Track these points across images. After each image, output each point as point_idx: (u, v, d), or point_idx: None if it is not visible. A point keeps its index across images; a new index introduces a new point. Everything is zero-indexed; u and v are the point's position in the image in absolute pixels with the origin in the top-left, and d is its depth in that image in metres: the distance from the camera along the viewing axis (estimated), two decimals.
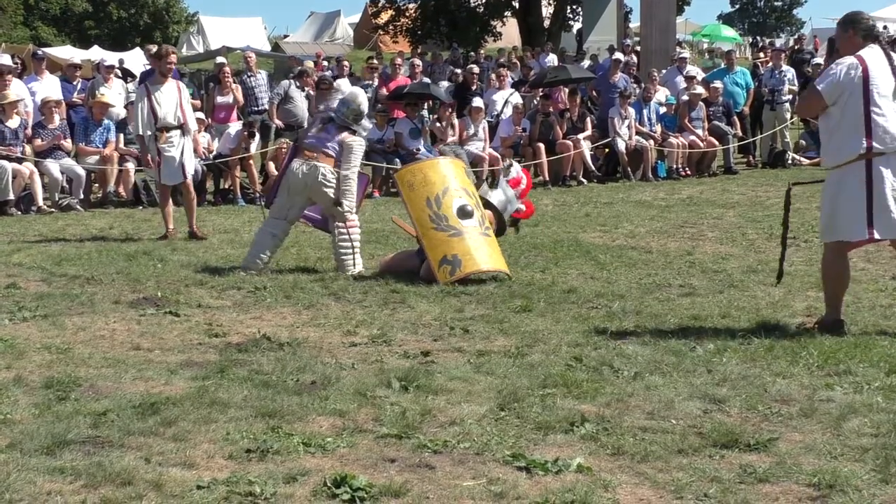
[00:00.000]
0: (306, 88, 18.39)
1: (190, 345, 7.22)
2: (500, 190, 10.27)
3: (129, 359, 6.78)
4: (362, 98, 10.20)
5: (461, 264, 9.26)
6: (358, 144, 9.91)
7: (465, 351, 6.96)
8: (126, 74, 23.07)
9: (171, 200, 12.46)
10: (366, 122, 10.42)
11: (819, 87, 7.19)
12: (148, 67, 20.40)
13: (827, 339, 7.05)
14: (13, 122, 15.04)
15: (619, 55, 23.33)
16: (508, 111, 19.09)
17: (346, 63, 22.77)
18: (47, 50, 32.13)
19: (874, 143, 7.08)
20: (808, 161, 19.98)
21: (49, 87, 17.46)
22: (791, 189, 8.07)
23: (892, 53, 7.34)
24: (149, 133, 11.93)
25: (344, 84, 18.91)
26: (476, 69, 22.34)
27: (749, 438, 5.12)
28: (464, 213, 9.47)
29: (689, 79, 20.16)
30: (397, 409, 5.64)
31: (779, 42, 42.81)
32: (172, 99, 12.00)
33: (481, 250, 9.37)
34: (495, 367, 6.48)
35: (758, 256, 10.50)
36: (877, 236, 7.23)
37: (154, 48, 13.04)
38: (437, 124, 18.47)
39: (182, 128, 12.02)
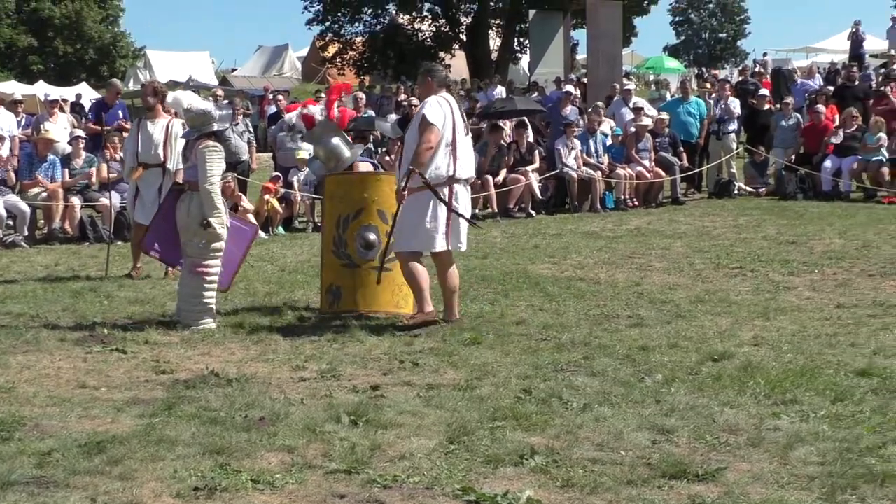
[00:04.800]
0: (238, 118, 17.95)
1: (137, 382, 7.15)
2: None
3: (74, 397, 6.70)
4: (186, 97, 9.38)
5: (341, 299, 9.39)
6: (210, 151, 8.93)
7: (414, 384, 6.95)
8: (76, 108, 22.93)
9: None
10: (216, 113, 9.38)
11: (433, 121, 8.47)
12: (96, 99, 20.22)
13: (773, 367, 7.13)
14: None
15: (570, 88, 23.49)
16: None
17: (280, 98, 22.73)
18: None
19: (457, 171, 8.60)
20: (752, 190, 20.17)
21: (1, 122, 17.36)
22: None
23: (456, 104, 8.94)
24: (129, 166, 11.81)
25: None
26: (416, 102, 22.40)
27: (697, 468, 5.15)
28: (366, 245, 9.34)
29: (637, 110, 20.33)
30: (347, 444, 5.61)
31: (723, 73, 43.26)
32: (158, 136, 11.70)
33: (367, 288, 9.31)
34: (445, 400, 6.48)
35: (705, 286, 10.57)
36: (448, 248, 8.66)
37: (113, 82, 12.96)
38: (387, 158, 18.47)
39: (163, 167, 11.79)
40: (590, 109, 20.49)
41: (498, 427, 5.89)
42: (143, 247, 10.30)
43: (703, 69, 58.26)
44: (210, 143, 9.03)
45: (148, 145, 11.70)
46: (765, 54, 49.50)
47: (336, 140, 9.76)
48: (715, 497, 4.81)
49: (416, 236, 8.67)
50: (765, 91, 22.90)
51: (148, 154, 11.67)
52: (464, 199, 8.81)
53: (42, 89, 36.12)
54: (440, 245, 8.64)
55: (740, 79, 27.12)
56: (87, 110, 18.92)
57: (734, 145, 20.82)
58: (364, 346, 8.12)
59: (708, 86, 24.15)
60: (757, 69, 30.79)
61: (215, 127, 9.22)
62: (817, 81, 27.51)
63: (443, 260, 8.81)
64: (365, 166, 9.73)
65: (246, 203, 15.89)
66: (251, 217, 15.52)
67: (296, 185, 16.99)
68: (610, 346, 7.91)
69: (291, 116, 9.93)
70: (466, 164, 8.78)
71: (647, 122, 19.72)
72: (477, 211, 17.96)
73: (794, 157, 19.84)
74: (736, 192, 20.05)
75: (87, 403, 6.54)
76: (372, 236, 9.34)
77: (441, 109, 8.60)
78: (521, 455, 5.40)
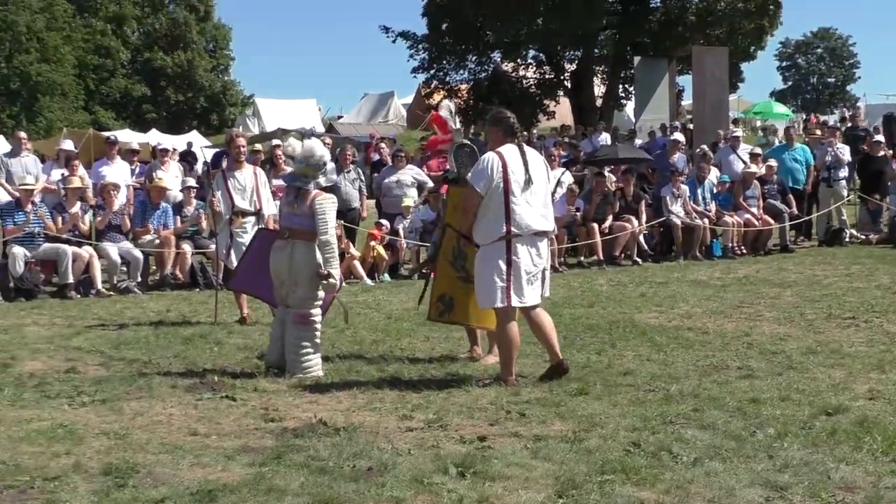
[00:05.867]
0: (350, 166, 18.08)
1: (246, 430, 7.22)
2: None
3: (186, 444, 6.80)
4: (318, 148, 9.35)
5: (452, 311, 9.52)
6: (328, 203, 9.12)
7: (521, 436, 6.90)
8: (188, 156, 23.33)
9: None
10: (330, 169, 9.50)
11: (474, 185, 8.46)
12: (217, 150, 20.60)
13: (891, 423, 6.94)
14: (74, 208, 15.33)
15: (678, 135, 23.34)
16: (560, 191, 19.09)
17: (384, 146, 22.93)
18: (105, 133, 32.70)
19: (512, 228, 8.42)
20: (863, 237, 19.78)
21: (118, 171, 17.88)
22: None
23: (527, 148, 8.73)
24: (225, 217, 12.09)
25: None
26: None
27: None
28: None
29: (755, 156, 20.14)
30: (455, 496, 5.59)
31: (832, 119, 42.62)
32: (248, 184, 12.17)
33: (474, 305, 9.23)
34: (552, 452, 6.42)
35: (817, 337, 10.37)
36: (516, 303, 8.47)
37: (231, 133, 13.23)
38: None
39: (258, 214, 12.14)
40: (696, 152, 20.31)
41: (607, 481, 5.82)
42: (234, 286, 10.62)
43: (811, 114, 57.52)
44: (325, 194, 9.20)
45: (242, 194, 12.13)
46: (857, 100, 48.48)
47: (465, 154, 9.84)
48: None
49: (482, 291, 8.59)
50: (880, 137, 22.52)
51: (243, 202, 12.02)
52: (526, 255, 8.46)
53: (155, 137, 37.03)
54: (501, 300, 8.43)
55: (849, 125, 26.71)
56: (204, 159, 19.11)
57: (845, 192, 20.47)
58: (470, 396, 8.10)
59: (818, 132, 23.79)
60: (850, 113, 30.19)
61: (324, 181, 9.36)
62: None
63: (524, 314, 8.69)
64: None
65: (353, 250, 16.06)
66: (357, 265, 15.69)
67: (401, 232, 17.11)
68: (720, 398, 7.78)
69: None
70: (529, 219, 8.46)
71: (754, 169, 19.52)
72: (582, 258, 17.95)
73: None
74: (847, 239, 19.68)
75: (198, 451, 6.62)
76: None
77: (486, 170, 8.42)
78: None
